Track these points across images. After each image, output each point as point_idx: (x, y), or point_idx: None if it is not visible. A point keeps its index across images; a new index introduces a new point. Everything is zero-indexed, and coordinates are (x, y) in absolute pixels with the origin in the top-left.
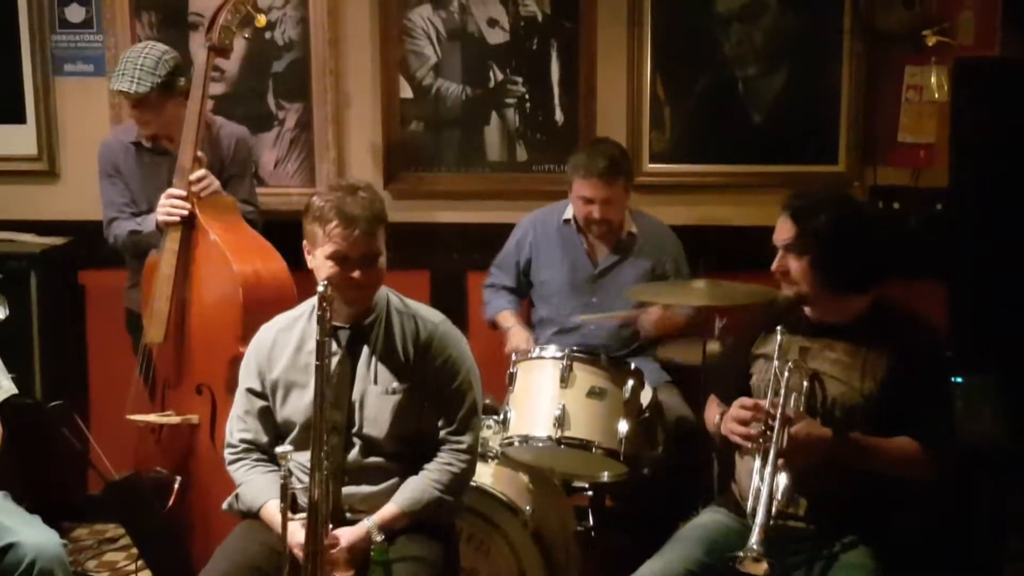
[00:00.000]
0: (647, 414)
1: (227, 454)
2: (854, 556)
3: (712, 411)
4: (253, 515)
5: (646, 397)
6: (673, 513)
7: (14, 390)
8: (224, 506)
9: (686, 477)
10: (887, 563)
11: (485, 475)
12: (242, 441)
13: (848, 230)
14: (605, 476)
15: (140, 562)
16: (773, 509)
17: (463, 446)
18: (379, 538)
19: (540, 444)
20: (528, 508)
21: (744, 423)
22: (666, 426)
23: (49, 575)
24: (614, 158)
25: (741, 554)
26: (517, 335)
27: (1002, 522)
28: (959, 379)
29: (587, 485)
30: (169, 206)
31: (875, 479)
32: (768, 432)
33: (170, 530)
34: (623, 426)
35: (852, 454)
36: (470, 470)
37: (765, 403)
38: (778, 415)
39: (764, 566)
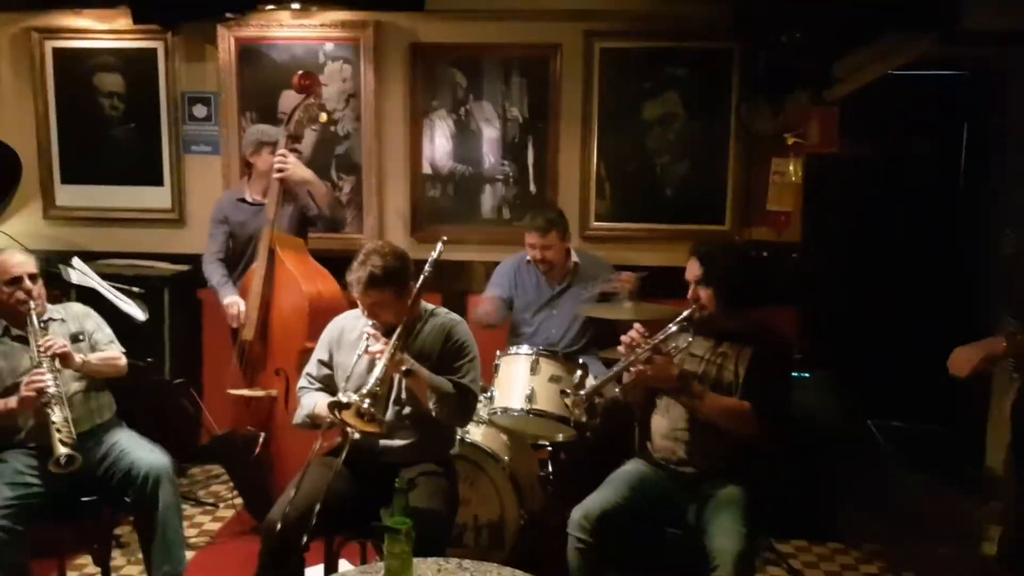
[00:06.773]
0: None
1: (298, 390)
2: (729, 493)
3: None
4: (315, 417)
5: (590, 383)
6: (607, 463)
7: (123, 349)
8: (295, 421)
9: (616, 438)
10: (753, 499)
11: (476, 434)
12: (304, 388)
13: (740, 267)
14: (560, 437)
15: (235, 492)
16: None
17: (472, 388)
18: (407, 365)
19: (515, 414)
20: (506, 458)
21: (631, 339)
22: (604, 404)
23: (158, 484)
24: (548, 218)
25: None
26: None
27: (837, 481)
28: (807, 375)
29: (548, 443)
30: (233, 316)
31: (745, 440)
32: (639, 350)
33: (256, 470)
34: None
35: (690, 394)
36: (475, 401)
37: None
38: (653, 343)
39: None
